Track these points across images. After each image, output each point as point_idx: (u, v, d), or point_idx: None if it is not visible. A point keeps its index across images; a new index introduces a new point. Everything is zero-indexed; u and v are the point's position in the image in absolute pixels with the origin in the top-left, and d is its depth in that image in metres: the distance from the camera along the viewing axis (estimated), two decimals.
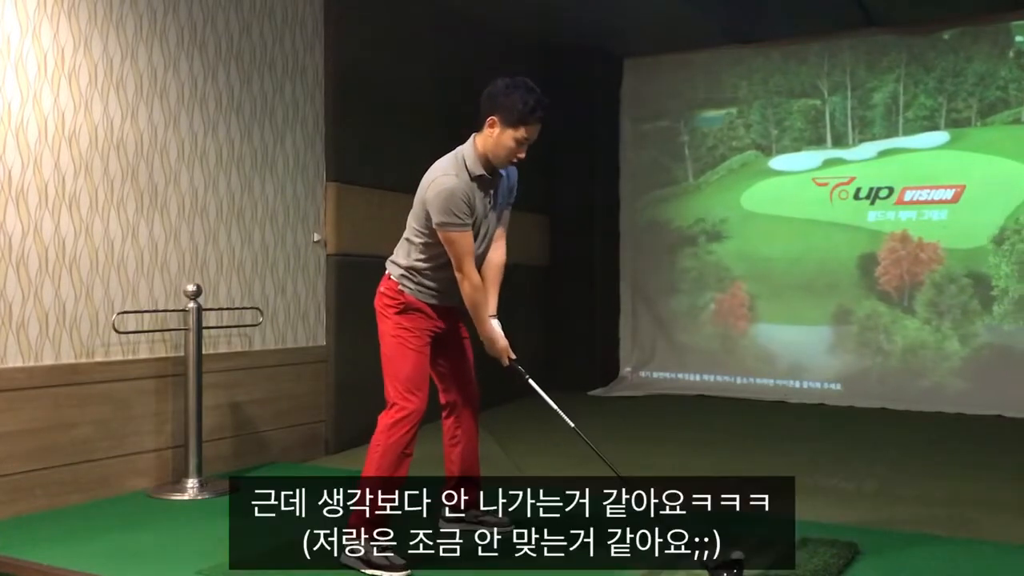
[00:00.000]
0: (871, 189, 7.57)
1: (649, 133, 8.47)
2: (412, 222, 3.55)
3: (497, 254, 3.65)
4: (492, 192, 3.53)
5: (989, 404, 6.89)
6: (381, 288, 3.61)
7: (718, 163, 8.13)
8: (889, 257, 7.51)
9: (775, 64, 7.89)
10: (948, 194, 7.33)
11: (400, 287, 3.54)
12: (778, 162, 7.92)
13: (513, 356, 3.61)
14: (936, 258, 7.36)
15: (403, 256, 3.57)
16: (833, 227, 7.67)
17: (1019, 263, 7.08)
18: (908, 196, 7.47)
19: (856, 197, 7.62)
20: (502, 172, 3.56)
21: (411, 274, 3.54)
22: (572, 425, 3.55)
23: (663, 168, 8.39)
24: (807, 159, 7.81)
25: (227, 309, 5.14)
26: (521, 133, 3.39)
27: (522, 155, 3.45)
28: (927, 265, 7.37)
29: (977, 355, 7.23)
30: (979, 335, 7.22)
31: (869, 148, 7.57)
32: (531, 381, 3.58)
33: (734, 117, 8.08)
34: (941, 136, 7.33)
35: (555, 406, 3.56)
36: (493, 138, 3.41)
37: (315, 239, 5.72)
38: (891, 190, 7.51)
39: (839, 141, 7.67)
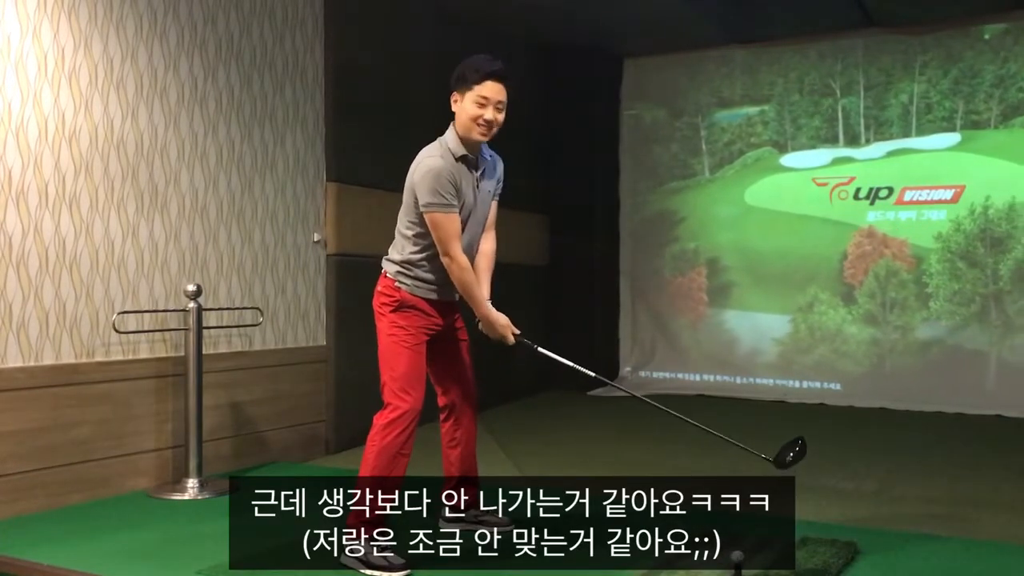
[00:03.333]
0: (871, 189, 7.61)
1: (656, 129, 8.47)
2: (403, 215, 3.57)
3: (487, 244, 3.69)
4: (477, 174, 3.55)
5: (987, 404, 6.92)
6: (378, 287, 3.61)
7: (735, 158, 8.15)
8: (855, 252, 7.67)
9: (792, 63, 7.88)
10: (948, 194, 7.34)
11: (397, 283, 3.55)
12: (789, 159, 7.96)
13: (517, 331, 3.62)
14: (899, 254, 7.52)
15: (397, 252, 3.58)
16: (826, 224, 7.76)
17: (948, 261, 7.34)
18: (908, 196, 7.49)
19: (856, 197, 7.65)
20: (486, 156, 3.60)
21: (407, 268, 3.55)
22: (594, 375, 3.68)
23: (671, 164, 8.41)
24: (816, 157, 7.84)
25: (227, 309, 5.14)
26: (478, 93, 3.42)
27: (488, 116, 3.44)
28: (882, 260, 7.58)
29: (922, 350, 7.46)
30: (916, 328, 7.46)
31: (879, 148, 7.60)
32: (541, 349, 3.62)
33: (751, 115, 8.10)
34: (953, 137, 7.33)
35: (574, 365, 3.61)
36: (460, 110, 3.48)
37: (315, 239, 5.72)
38: (891, 190, 7.54)
39: (853, 140, 7.69)
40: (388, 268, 3.61)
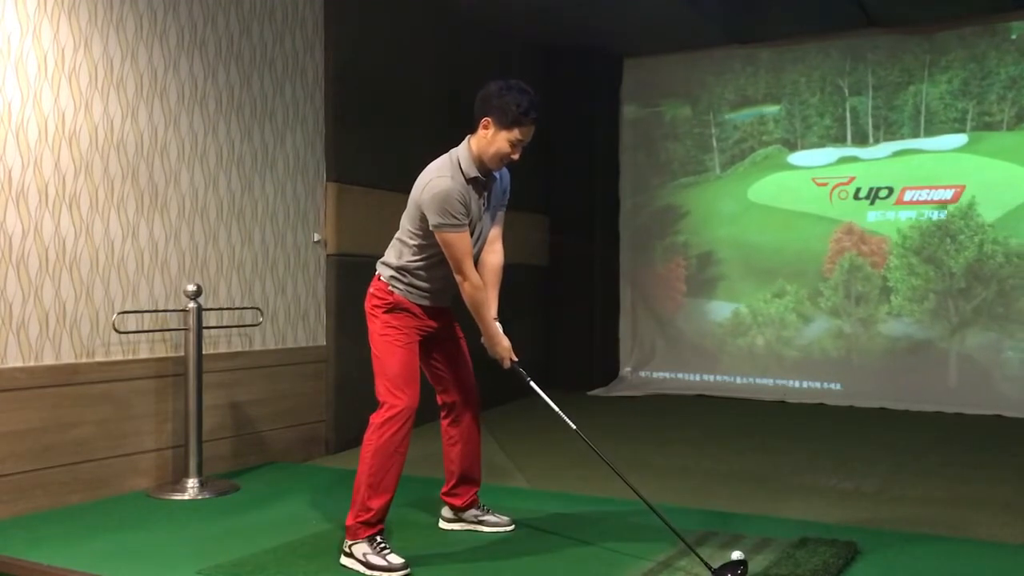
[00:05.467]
0: (871, 189, 7.62)
1: (674, 126, 8.46)
2: (406, 223, 3.56)
3: (495, 257, 3.66)
4: (486, 194, 3.55)
5: (986, 404, 6.93)
6: (371, 289, 3.62)
7: (745, 156, 8.14)
8: (834, 247, 7.77)
9: (814, 63, 7.86)
10: (948, 194, 7.34)
11: (390, 287, 3.55)
12: (796, 158, 7.97)
13: (515, 358, 3.61)
14: (875, 252, 7.60)
15: (394, 257, 3.58)
16: (821, 221, 7.81)
17: (902, 256, 7.50)
18: (908, 196, 7.49)
19: (856, 196, 7.66)
20: (496, 174, 3.58)
21: (402, 274, 3.55)
22: (574, 427, 3.54)
23: (684, 161, 8.41)
24: (822, 156, 7.85)
25: (227, 309, 5.14)
26: (515, 135, 3.41)
27: (516, 157, 3.47)
28: (847, 255, 7.70)
29: (887, 347, 7.57)
30: (879, 322, 7.60)
31: (885, 148, 7.60)
32: (532, 383, 3.58)
33: (764, 114, 8.08)
34: (960, 139, 7.32)
35: (556, 408, 3.55)
36: (487, 140, 3.43)
37: (315, 239, 5.72)
38: (891, 190, 7.54)
39: (862, 140, 7.68)
40: (382, 271, 3.61)
